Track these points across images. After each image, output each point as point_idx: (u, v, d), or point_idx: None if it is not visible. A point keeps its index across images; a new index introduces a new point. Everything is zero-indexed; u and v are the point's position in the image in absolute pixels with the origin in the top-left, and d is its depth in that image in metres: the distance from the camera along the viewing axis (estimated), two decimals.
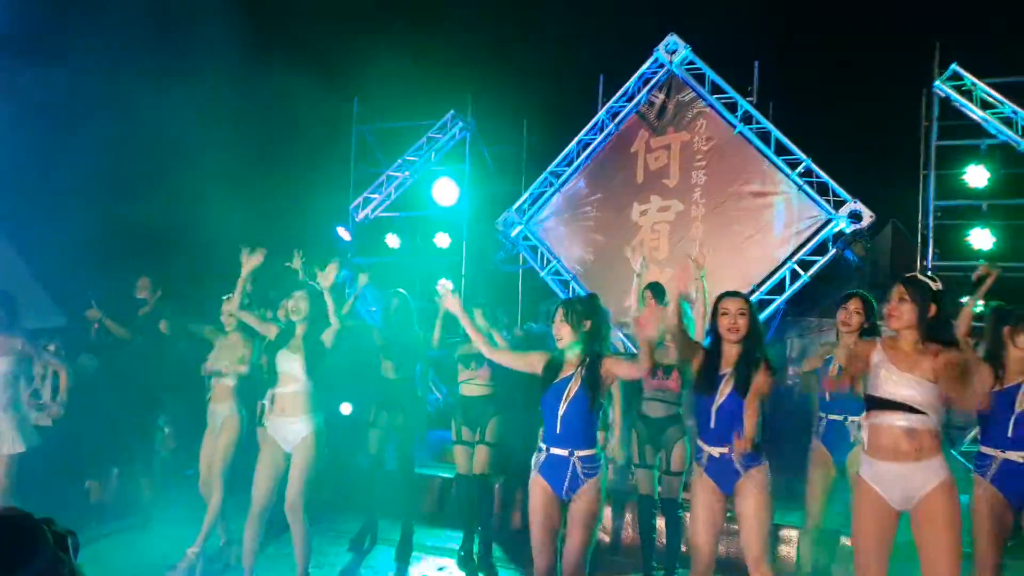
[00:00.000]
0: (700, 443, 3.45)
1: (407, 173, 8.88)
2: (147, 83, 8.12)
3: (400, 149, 8.97)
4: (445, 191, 8.71)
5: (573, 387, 3.35)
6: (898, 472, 2.99)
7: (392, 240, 9.04)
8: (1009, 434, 3.39)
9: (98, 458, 5.88)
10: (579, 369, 3.39)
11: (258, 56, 9.12)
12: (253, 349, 4.67)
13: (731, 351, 3.39)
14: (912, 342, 3.05)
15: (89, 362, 5.79)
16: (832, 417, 4.17)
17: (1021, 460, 3.38)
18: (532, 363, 3.54)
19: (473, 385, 5.01)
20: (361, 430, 5.56)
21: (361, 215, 9.05)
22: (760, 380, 3.29)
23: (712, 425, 3.36)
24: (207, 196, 8.59)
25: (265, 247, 4.22)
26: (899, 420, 2.98)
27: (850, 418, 3.95)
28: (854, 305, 4.02)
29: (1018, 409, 3.41)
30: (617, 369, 3.38)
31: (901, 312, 3.05)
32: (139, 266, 5.93)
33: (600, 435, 3.65)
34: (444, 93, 8.84)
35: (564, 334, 3.42)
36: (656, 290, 5.62)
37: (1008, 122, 6.55)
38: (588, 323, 3.43)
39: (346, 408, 5.88)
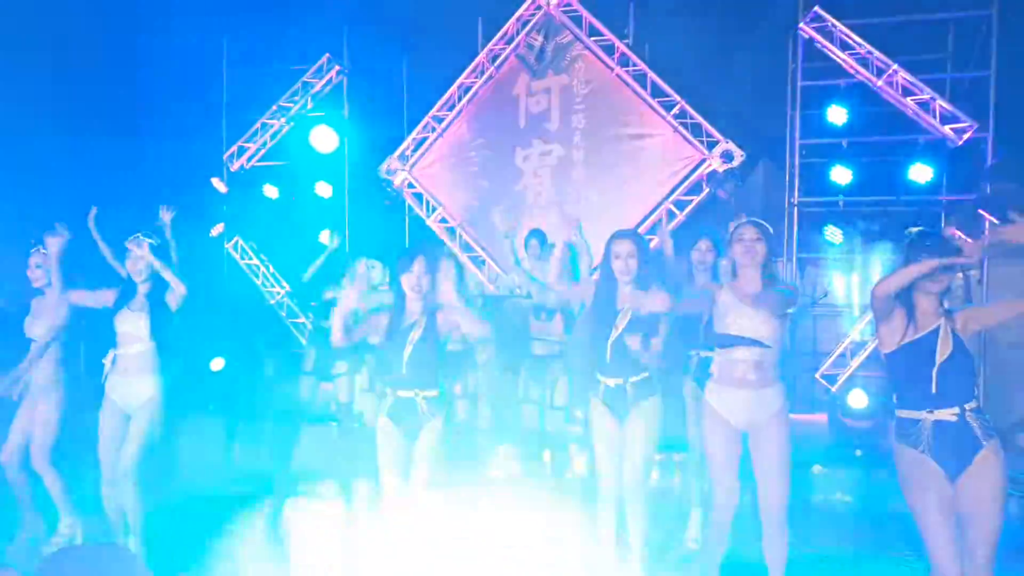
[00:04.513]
0: (598, 376, 3.60)
1: (283, 120, 8.50)
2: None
3: (275, 94, 8.56)
4: (323, 138, 8.40)
5: (416, 334, 3.46)
6: (744, 398, 3.25)
7: (270, 191, 8.68)
8: (933, 390, 2.76)
9: None
10: (422, 317, 3.50)
11: None
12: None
13: (625, 289, 3.52)
14: (756, 280, 3.24)
15: None
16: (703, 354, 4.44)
17: (953, 418, 2.75)
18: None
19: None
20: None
21: (236, 165, 8.63)
22: (659, 298, 3.38)
23: (608, 359, 3.51)
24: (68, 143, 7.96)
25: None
26: (750, 354, 3.21)
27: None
28: (705, 245, 4.26)
29: (940, 360, 2.76)
30: (454, 323, 3.46)
31: (757, 251, 3.24)
32: None
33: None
34: (318, 35, 8.44)
35: (425, 284, 3.49)
36: (540, 237, 5.74)
37: (864, 63, 6.90)
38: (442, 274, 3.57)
39: (217, 363, 5.69)
